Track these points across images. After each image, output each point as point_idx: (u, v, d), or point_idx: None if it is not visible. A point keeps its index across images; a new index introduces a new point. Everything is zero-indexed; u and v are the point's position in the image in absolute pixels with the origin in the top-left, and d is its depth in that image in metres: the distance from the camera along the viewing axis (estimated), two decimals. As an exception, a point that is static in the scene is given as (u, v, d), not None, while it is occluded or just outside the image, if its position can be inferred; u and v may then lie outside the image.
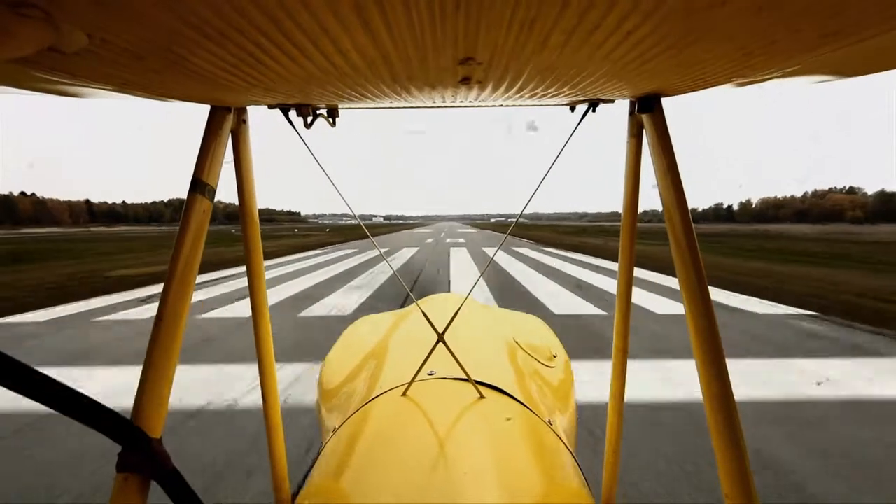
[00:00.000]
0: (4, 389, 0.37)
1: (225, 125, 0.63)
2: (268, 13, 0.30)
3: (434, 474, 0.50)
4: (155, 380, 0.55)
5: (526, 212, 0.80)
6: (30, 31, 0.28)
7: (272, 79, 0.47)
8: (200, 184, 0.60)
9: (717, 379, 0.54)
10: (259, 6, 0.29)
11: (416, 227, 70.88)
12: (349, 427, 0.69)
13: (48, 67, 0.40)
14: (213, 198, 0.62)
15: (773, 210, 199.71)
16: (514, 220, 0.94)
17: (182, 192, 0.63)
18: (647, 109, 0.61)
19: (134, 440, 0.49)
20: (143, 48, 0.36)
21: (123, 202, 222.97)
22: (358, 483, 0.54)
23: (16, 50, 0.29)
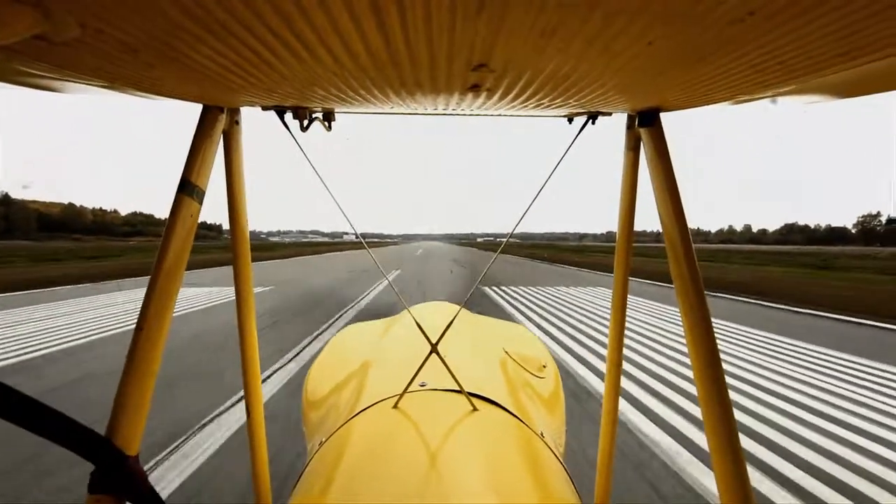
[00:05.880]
0: None
1: (217, 126, 0.61)
2: (278, 9, 0.29)
3: (427, 488, 0.50)
4: (134, 392, 0.52)
5: (517, 231, 0.77)
6: (18, 17, 0.27)
7: (274, 79, 0.46)
8: (189, 186, 0.58)
9: (715, 393, 0.54)
10: (269, 0, 0.28)
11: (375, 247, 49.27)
12: (337, 440, 0.66)
13: (33, 57, 0.37)
14: (202, 201, 0.60)
15: None
16: (505, 238, 0.89)
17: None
18: (646, 123, 0.61)
19: (109, 459, 0.46)
20: (139, 40, 0.34)
21: None
22: (347, 498, 0.51)
23: (1, 37, 0.27)
